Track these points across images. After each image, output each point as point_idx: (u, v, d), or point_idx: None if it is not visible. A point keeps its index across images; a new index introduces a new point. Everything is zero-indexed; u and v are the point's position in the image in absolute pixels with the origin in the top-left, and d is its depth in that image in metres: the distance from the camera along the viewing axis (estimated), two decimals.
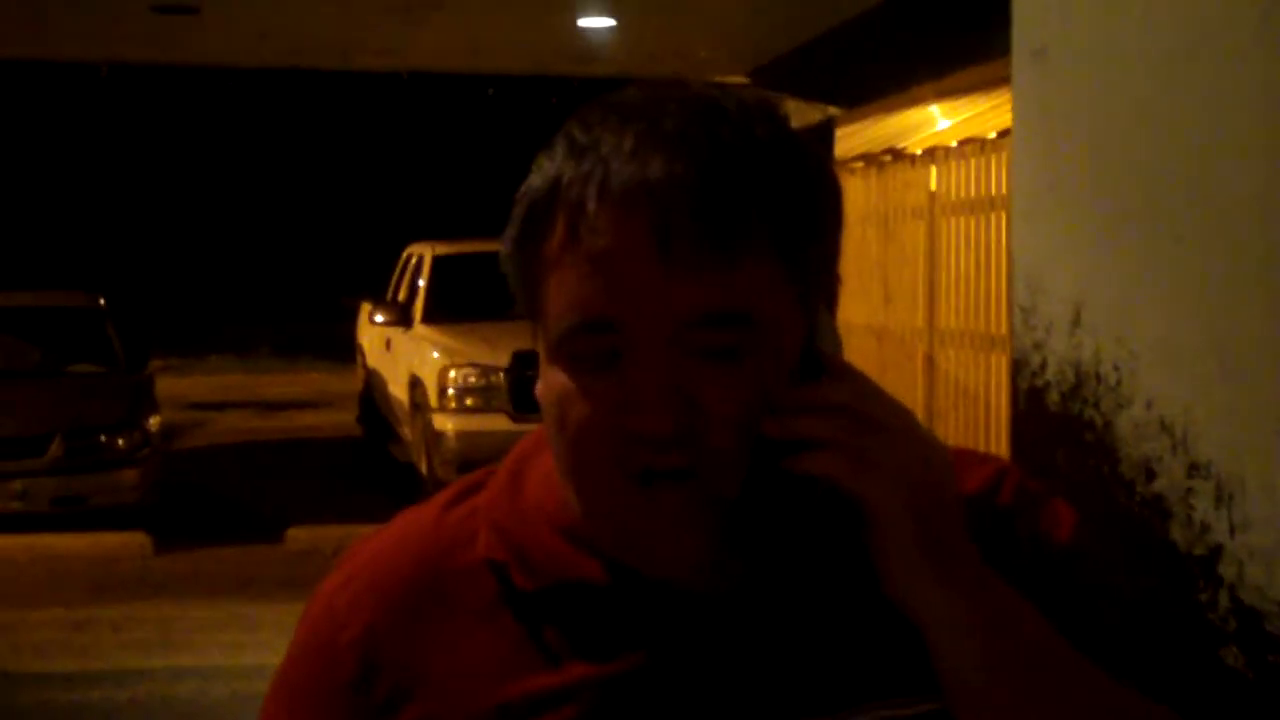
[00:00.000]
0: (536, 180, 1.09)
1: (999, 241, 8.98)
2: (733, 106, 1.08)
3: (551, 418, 1.10)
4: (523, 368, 10.82)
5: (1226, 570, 1.39)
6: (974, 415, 9.42)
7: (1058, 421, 1.64)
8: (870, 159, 11.38)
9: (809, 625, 1.12)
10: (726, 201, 1.03)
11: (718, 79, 13.83)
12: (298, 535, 10.27)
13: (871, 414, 1.07)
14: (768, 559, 1.12)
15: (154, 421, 10.94)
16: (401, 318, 12.67)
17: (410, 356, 12.02)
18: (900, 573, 1.06)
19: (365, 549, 1.22)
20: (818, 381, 1.08)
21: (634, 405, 1.04)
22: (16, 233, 28.81)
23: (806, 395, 1.07)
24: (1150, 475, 1.49)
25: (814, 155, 1.11)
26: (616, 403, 1.05)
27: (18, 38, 11.64)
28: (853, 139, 11.77)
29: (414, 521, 1.23)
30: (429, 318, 12.20)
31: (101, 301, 12.27)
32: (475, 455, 10.15)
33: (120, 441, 10.47)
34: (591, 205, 1.04)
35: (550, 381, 1.10)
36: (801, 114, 12.16)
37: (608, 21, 10.95)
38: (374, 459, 13.73)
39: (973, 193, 9.56)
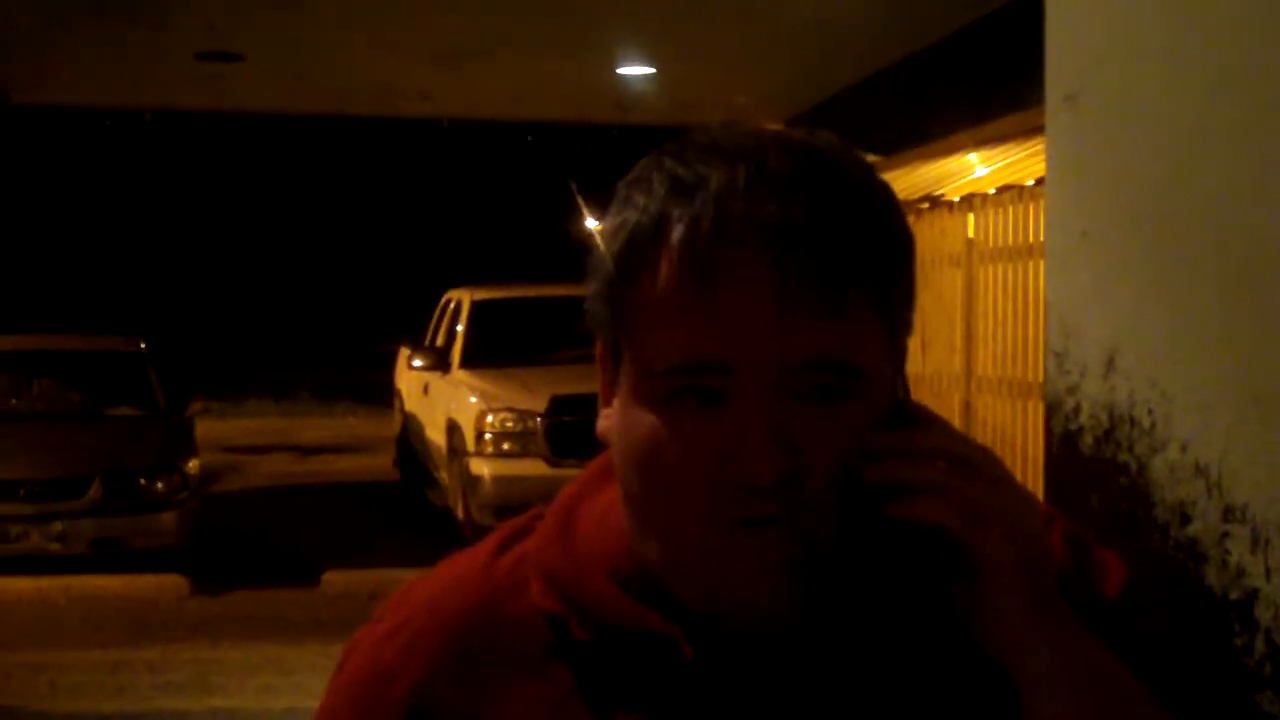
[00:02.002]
0: (634, 215, 1.05)
1: (1036, 288, 8.95)
2: (828, 150, 1.07)
3: (635, 460, 1.06)
4: (560, 413, 10.83)
5: (1262, 615, 1.39)
6: (1011, 462, 9.38)
7: (1092, 465, 1.64)
8: (908, 206, 11.38)
9: (887, 675, 1.10)
10: (840, 248, 1.02)
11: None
12: (334, 579, 10.28)
13: (976, 460, 1.06)
14: (858, 605, 1.10)
15: (193, 465, 10.99)
16: (439, 362, 12.70)
17: (448, 401, 12.05)
18: (1009, 623, 1.04)
19: (411, 598, 1.18)
20: (908, 429, 1.07)
21: (739, 452, 1.01)
22: (60, 276, 29.03)
23: (903, 440, 1.06)
24: (1185, 519, 1.49)
25: (899, 205, 1.11)
26: (718, 448, 1.02)
27: (65, 85, 11.77)
28: (891, 186, 11.79)
29: (461, 569, 1.19)
30: (467, 362, 12.23)
31: (142, 345, 12.35)
32: (512, 500, 10.15)
33: (159, 484, 10.51)
34: (706, 244, 1.01)
35: (637, 423, 1.06)
36: None
37: (647, 70, 11.00)
38: (410, 503, 13.74)
39: (1010, 240, 9.55)
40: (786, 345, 1.01)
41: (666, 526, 1.06)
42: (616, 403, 1.09)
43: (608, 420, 1.11)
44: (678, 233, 1.02)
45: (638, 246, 1.05)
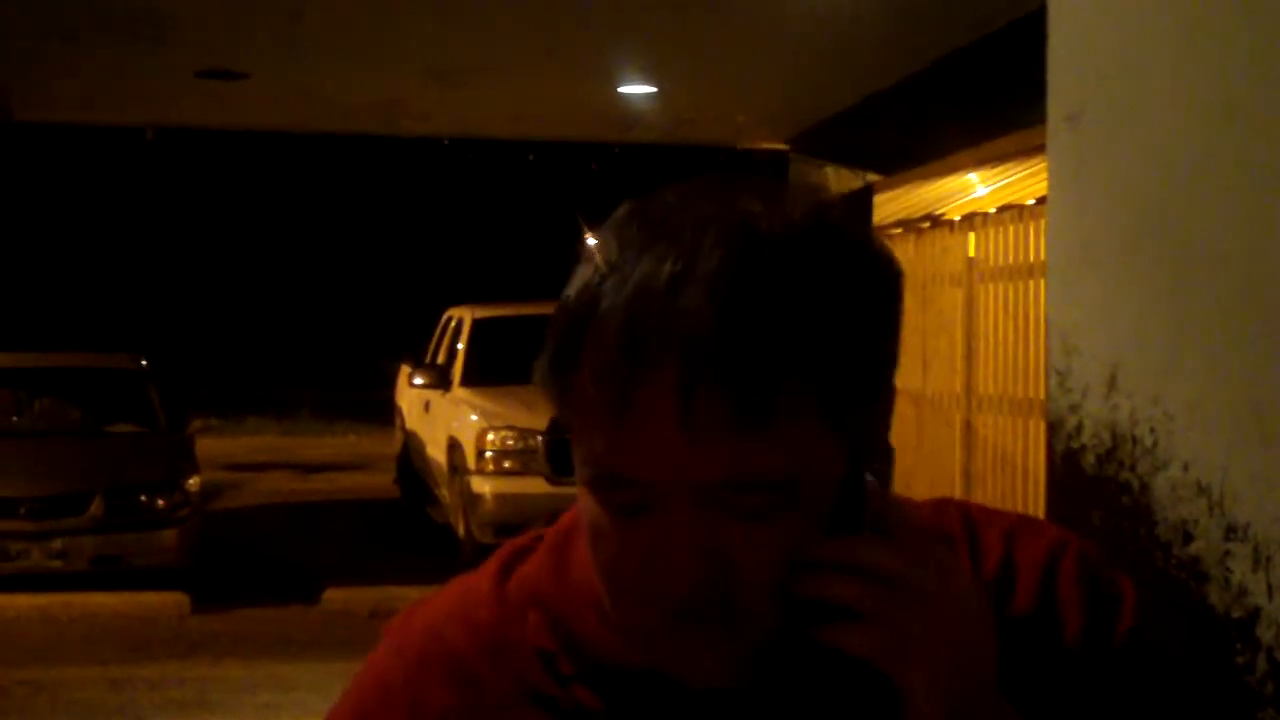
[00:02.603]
0: (574, 297, 1.01)
1: (1037, 308, 8.96)
2: (775, 230, 0.98)
3: (588, 538, 1.05)
4: (561, 431, 10.84)
5: (1264, 633, 1.39)
6: (1012, 481, 9.38)
7: (1094, 483, 1.64)
8: (909, 225, 11.39)
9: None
10: (762, 365, 0.95)
11: (758, 145, 13.90)
12: (334, 596, 10.27)
13: (910, 580, 0.99)
14: (804, 686, 1.07)
15: (193, 482, 10.99)
16: (440, 380, 12.71)
17: (449, 419, 12.05)
18: None
19: (418, 620, 1.18)
20: (856, 534, 1.01)
21: (660, 562, 0.99)
22: (62, 293, 29.05)
23: (841, 551, 1.00)
24: (1187, 538, 1.49)
25: (883, 275, 1.03)
26: (644, 553, 1.00)
27: (68, 102, 11.79)
28: (891, 205, 11.79)
29: (468, 592, 1.18)
30: (468, 380, 12.24)
31: (143, 362, 12.36)
32: (512, 517, 10.16)
33: (160, 501, 10.51)
34: (615, 355, 0.96)
35: (585, 507, 1.05)
36: (840, 180, 12.21)
37: (648, 88, 11.02)
38: (411, 521, 13.74)
39: (1011, 259, 9.55)
40: (697, 465, 0.96)
41: (614, 603, 1.05)
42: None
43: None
44: (596, 339, 0.98)
45: (567, 343, 1.00)
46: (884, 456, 1.09)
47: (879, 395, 1.04)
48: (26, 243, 27.16)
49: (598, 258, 1.01)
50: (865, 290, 1.01)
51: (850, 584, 1.00)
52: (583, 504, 1.05)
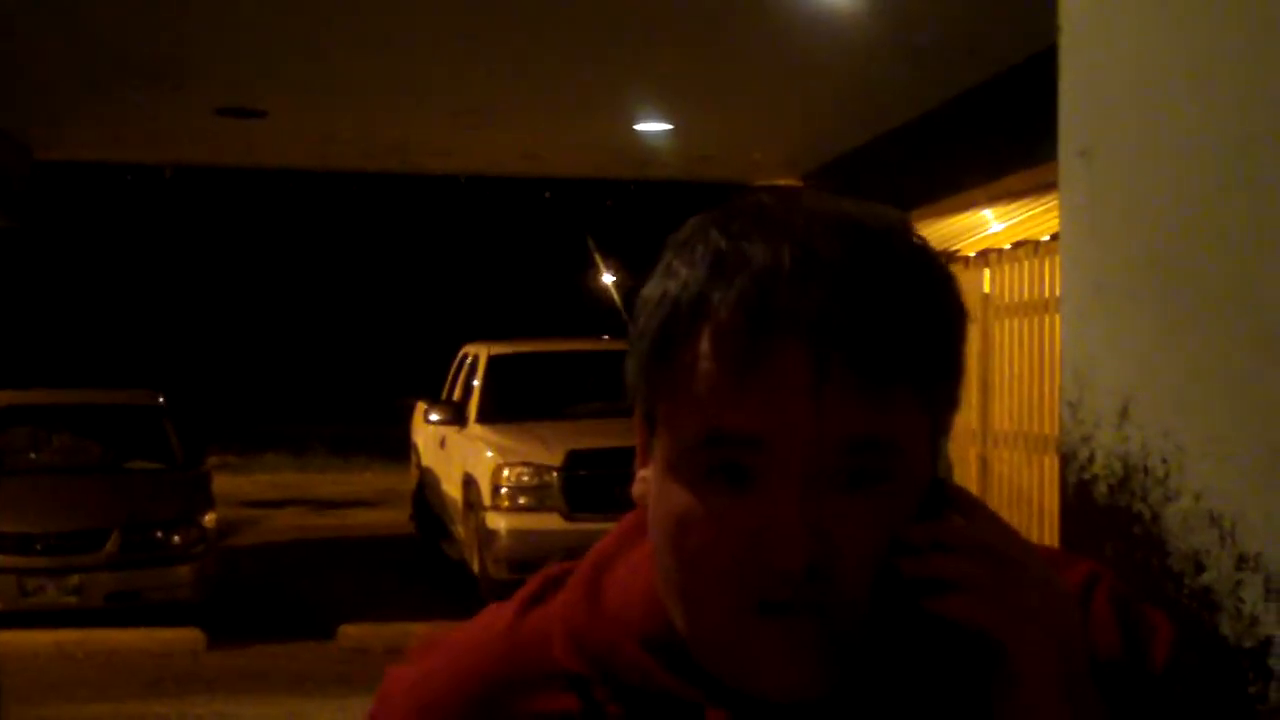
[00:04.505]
0: (674, 288, 1.04)
1: (1052, 343, 8.96)
2: (879, 229, 1.05)
3: (665, 535, 1.05)
4: (577, 467, 10.84)
5: (1276, 663, 1.39)
6: (1027, 517, 9.37)
7: (1106, 514, 1.65)
8: None
9: None
10: (882, 342, 1.01)
11: (773, 182, 13.93)
12: (350, 632, 10.27)
13: (1008, 553, 1.04)
14: (889, 682, 1.08)
15: (210, 518, 11.01)
16: (456, 417, 12.73)
17: (464, 455, 12.06)
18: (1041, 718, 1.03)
19: (442, 646, 1.18)
20: (942, 516, 1.05)
21: (769, 536, 1.00)
22: (79, 330, 29.14)
23: (940, 531, 1.04)
24: (1199, 568, 1.50)
25: (953, 282, 1.09)
26: (748, 531, 1.01)
27: (88, 142, 11.87)
28: (945, 265, 11.81)
29: (493, 620, 1.18)
30: (483, 417, 12.25)
31: (160, 399, 12.40)
32: (528, 554, 10.16)
33: (176, 538, 10.53)
34: (747, 329, 1.00)
35: (669, 497, 1.05)
36: None
37: (664, 126, 11.06)
38: (427, 557, 13.73)
39: (1026, 295, 9.56)
40: (821, 425, 1.00)
41: (693, 604, 1.05)
42: (652, 469, 1.09)
43: (643, 485, 1.11)
44: (718, 314, 1.01)
45: (677, 322, 1.04)
46: (948, 472, 1.13)
47: (957, 403, 1.10)
48: (46, 280, 27.26)
49: (698, 253, 1.04)
50: (952, 295, 1.08)
51: (958, 560, 1.03)
52: (669, 497, 1.05)
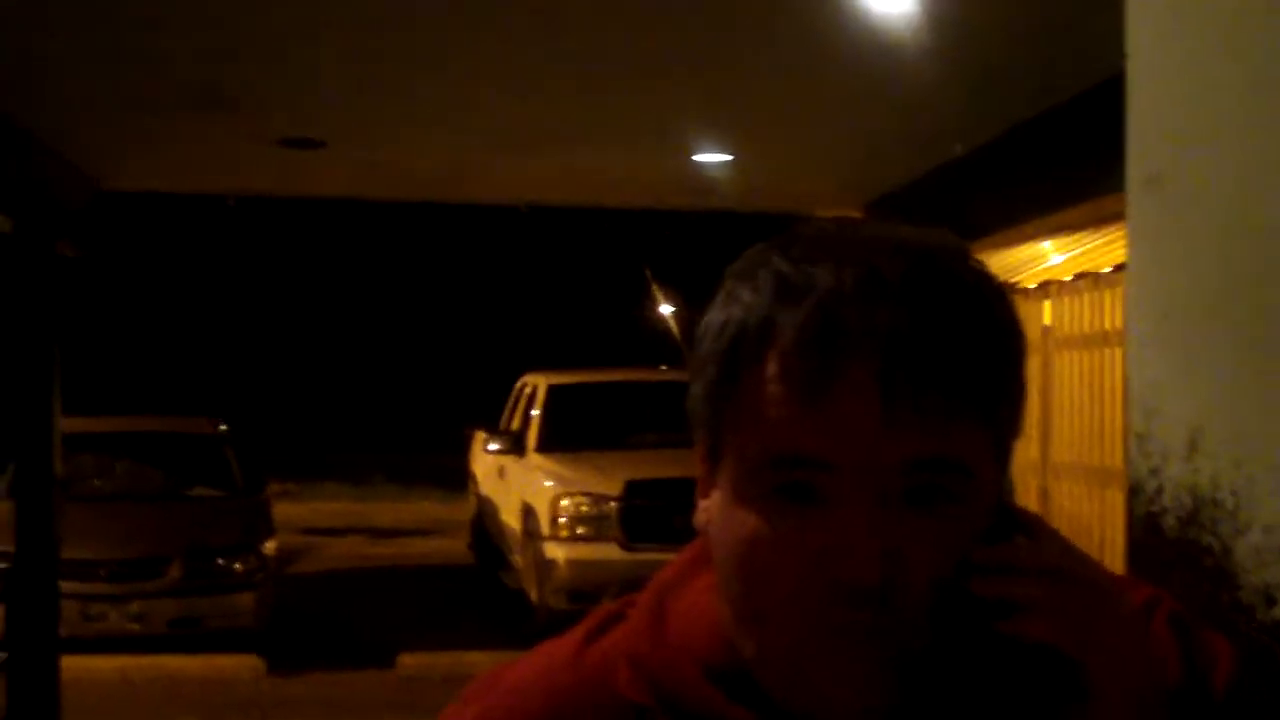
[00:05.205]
0: (739, 313, 1.06)
1: (1113, 376, 8.91)
2: (940, 252, 1.06)
3: (733, 558, 1.06)
4: (635, 497, 10.84)
5: None
6: (1087, 549, 9.27)
7: (1175, 547, 1.63)
8: None
9: None
10: (946, 359, 1.02)
11: (832, 212, 13.91)
12: (409, 661, 10.29)
13: (1079, 576, 1.05)
14: (955, 708, 1.08)
15: (270, 545, 11.07)
16: (515, 446, 12.77)
17: (523, 485, 12.09)
18: None
19: (500, 681, 1.17)
20: (1009, 539, 1.06)
21: (842, 553, 1.01)
22: (143, 358, 29.43)
23: (1012, 554, 1.04)
24: (1270, 601, 1.48)
25: (1012, 306, 1.10)
26: (821, 549, 1.01)
27: (152, 173, 11.99)
28: (1004, 288, 11.77)
29: (553, 654, 1.18)
30: (542, 446, 12.28)
31: (222, 427, 12.49)
32: (586, 584, 10.16)
33: (237, 565, 10.60)
34: (813, 350, 1.01)
35: (735, 520, 1.05)
36: None
37: (723, 156, 11.07)
38: (485, 586, 13.76)
39: (1087, 327, 9.50)
40: (890, 445, 1.01)
41: (760, 626, 1.05)
42: (716, 496, 1.09)
43: (706, 513, 1.11)
44: (785, 336, 1.02)
45: (743, 346, 1.05)
46: (1010, 493, 1.14)
47: (1020, 427, 1.11)
48: (112, 309, 27.57)
49: (761, 279, 1.05)
50: (1012, 318, 1.09)
51: (1030, 583, 1.03)
52: (737, 522, 1.05)
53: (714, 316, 1.08)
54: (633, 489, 10.81)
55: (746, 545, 1.04)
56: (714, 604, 1.10)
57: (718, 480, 1.08)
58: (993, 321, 1.06)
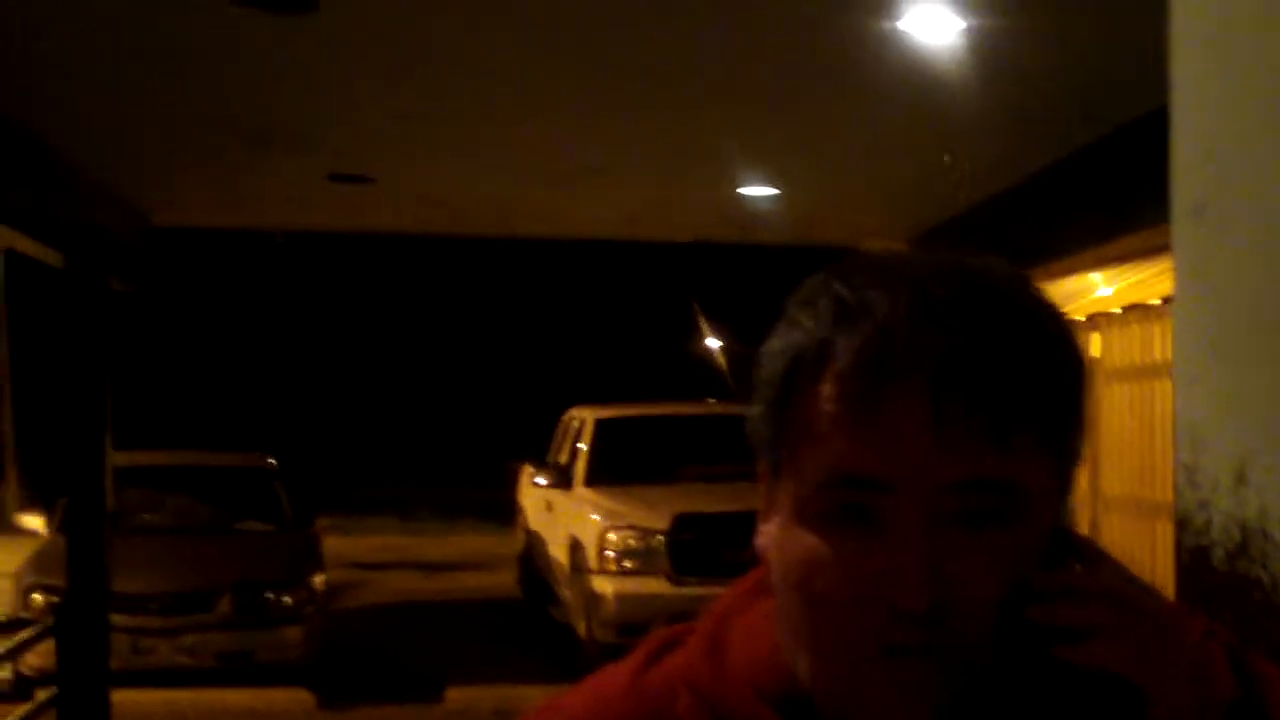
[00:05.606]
0: (799, 338, 1.08)
1: (1162, 407, 8.85)
2: (996, 278, 1.08)
3: (791, 580, 1.07)
4: (683, 531, 10.83)
5: None
6: None
7: (1223, 580, 1.63)
8: None
9: None
10: (1002, 379, 1.03)
11: (878, 246, 13.88)
12: (457, 696, 10.29)
13: (1140, 603, 1.05)
14: None
15: (319, 579, 11.10)
16: (562, 480, 12.77)
17: (570, 518, 12.08)
18: None
19: (559, 708, 1.18)
20: (1066, 566, 1.06)
21: (895, 576, 1.02)
22: (193, 392, 29.63)
23: (1072, 579, 1.05)
24: None
25: (1070, 330, 1.11)
26: (874, 572, 1.02)
27: (203, 208, 12.10)
28: (1063, 314, 11.71)
29: (609, 682, 1.18)
30: (590, 480, 12.28)
31: (271, 461, 12.56)
32: (634, 617, 10.13)
33: (286, 599, 10.63)
34: (869, 371, 1.03)
35: (794, 542, 1.07)
36: None
37: (769, 190, 11.08)
38: (533, 620, 13.75)
39: (1136, 359, 9.45)
40: (942, 466, 1.02)
41: (817, 648, 1.06)
42: (775, 520, 1.10)
43: (766, 536, 1.12)
44: (842, 358, 1.04)
45: (802, 369, 1.06)
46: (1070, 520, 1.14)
47: (1079, 453, 1.11)
48: (163, 343, 27.79)
49: (820, 305, 1.07)
50: (1069, 342, 1.10)
51: (1092, 608, 1.03)
52: (795, 543, 1.07)
53: (774, 342, 1.10)
54: (681, 523, 10.79)
55: (803, 566, 1.06)
56: (772, 629, 1.11)
57: (778, 502, 1.10)
58: (1047, 343, 1.07)
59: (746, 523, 1.18)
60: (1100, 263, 10.43)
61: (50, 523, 11.14)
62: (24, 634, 7.96)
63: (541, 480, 13.17)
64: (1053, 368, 1.07)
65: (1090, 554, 1.08)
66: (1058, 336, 1.08)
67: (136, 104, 7.88)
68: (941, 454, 1.02)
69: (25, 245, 9.16)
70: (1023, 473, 1.04)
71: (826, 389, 1.05)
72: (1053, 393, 1.06)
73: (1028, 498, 1.04)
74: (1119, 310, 9.88)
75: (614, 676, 1.18)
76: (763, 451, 1.12)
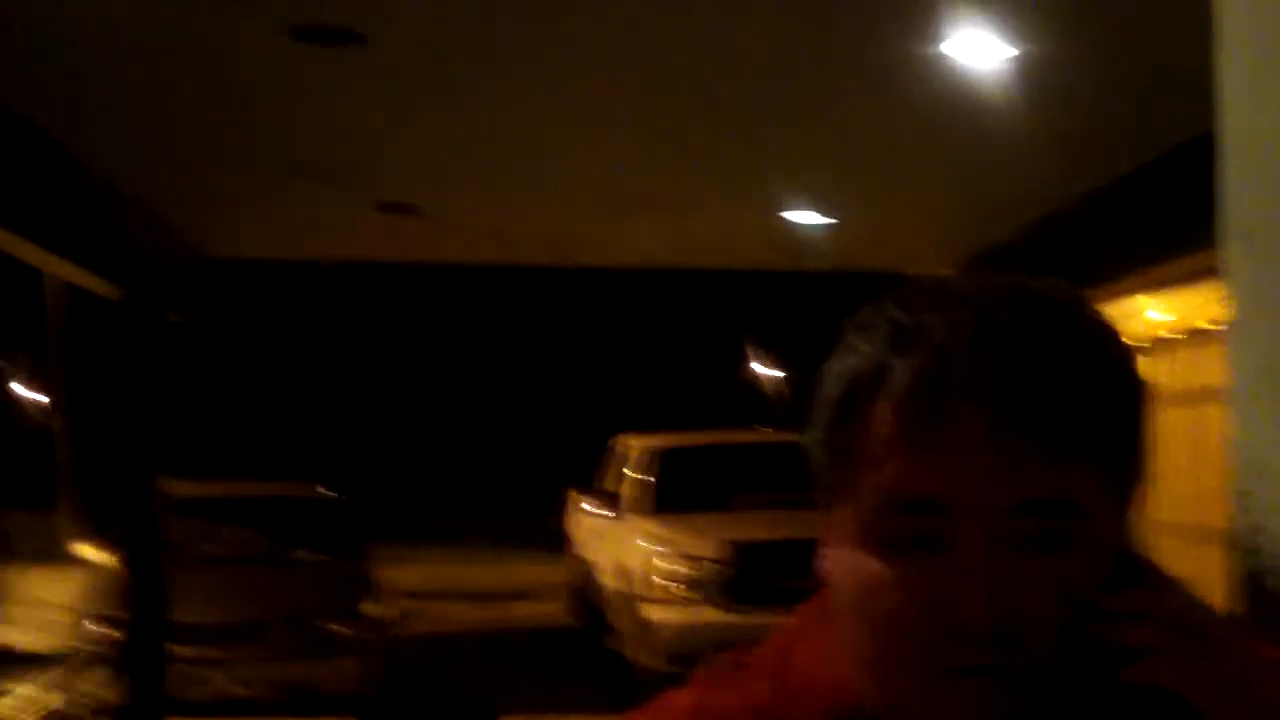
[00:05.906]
0: (856, 362, 1.08)
1: (1213, 433, 8.78)
2: (1053, 299, 1.08)
3: (854, 604, 1.08)
4: (735, 559, 10.80)
5: None
6: None
7: (1277, 605, 1.63)
8: None
9: None
10: (1061, 402, 1.03)
11: (926, 272, 13.85)
12: None
13: (1205, 625, 1.05)
14: None
15: (372, 609, 11.13)
16: (612, 508, 12.77)
17: (620, 547, 12.08)
18: None
19: None
20: (1130, 588, 1.06)
21: (958, 598, 1.02)
22: (247, 422, 29.79)
23: (1138, 600, 1.05)
24: None
25: (1128, 350, 1.11)
26: (936, 594, 1.03)
27: (256, 240, 12.21)
28: (1122, 337, 11.64)
29: (675, 705, 1.18)
30: (640, 508, 12.28)
31: (323, 491, 12.61)
32: (685, 646, 10.11)
33: (340, 629, 10.65)
34: (927, 393, 1.04)
35: (856, 567, 1.07)
36: None
37: (817, 217, 11.08)
38: (585, 649, 13.74)
39: (1186, 384, 9.40)
40: (1000, 487, 1.02)
41: (882, 670, 1.07)
42: (837, 545, 1.11)
43: (828, 561, 1.13)
44: (900, 381, 1.04)
45: (859, 392, 1.07)
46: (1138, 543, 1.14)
47: (1142, 474, 1.11)
48: (217, 374, 27.97)
49: (878, 329, 1.08)
50: (1127, 362, 1.10)
51: (1156, 630, 1.03)
52: (858, 568, 1.07)
53: (832, 365, 1.10)
54: (732, 551, 10.78)
55: (865, 590, 1.06)
56: (837, 653, 1.12)
57: (839, 527, 1.10)
58: (1105, 363, 1.07)
59: (800, 550, 1.18)
60: (1147, 287, 10.38)
61: (106, 553, 11.22)
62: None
63: (591, 508, 13.18)
64: (1112, 389, 1.07)
65: (1155, 577, 1.08)
66: (1117, 358, 1.09)
67: (192, 138, 7.98)
68: (999, 475, 1.02)
69: (85, 279, 9.28)
70: (1082, 494, 1.04)
71: (883, 411, 1.05)
72: (1112, 414, 1.06)
73: (1088, 520, 1.04)
74: (1166, 334, 9.83)
75: (679, 700, 1.19)
76: (821, 476, 1.12)
